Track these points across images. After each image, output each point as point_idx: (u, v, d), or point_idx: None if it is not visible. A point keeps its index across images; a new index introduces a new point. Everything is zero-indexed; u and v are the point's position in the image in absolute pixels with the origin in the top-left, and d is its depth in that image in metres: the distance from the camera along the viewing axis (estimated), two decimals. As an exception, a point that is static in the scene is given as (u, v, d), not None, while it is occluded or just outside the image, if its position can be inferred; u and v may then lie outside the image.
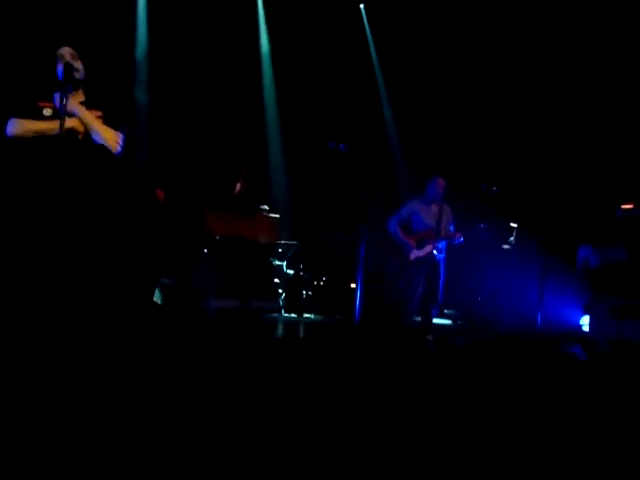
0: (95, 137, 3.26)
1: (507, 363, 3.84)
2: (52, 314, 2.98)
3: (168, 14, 7.23)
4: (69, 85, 3.14)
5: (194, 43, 7.36)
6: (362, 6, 8.83)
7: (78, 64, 3.25)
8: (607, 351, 5.17)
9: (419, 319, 5.79)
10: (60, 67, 3.19)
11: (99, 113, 3.33)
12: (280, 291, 7.19)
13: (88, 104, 3.35)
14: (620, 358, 5.01)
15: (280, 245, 7.42)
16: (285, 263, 7.37)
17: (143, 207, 5.39)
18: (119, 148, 3.31)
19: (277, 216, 7.40)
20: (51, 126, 3.14)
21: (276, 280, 7.21)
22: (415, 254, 5.76)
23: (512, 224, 6.16)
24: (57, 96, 3.25)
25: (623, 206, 6.08)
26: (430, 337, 5.56)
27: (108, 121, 3.34)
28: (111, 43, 6.16)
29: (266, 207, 7.36)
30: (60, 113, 3.03)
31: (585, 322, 6.40)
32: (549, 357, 4.26)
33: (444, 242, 5.80)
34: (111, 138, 3.29)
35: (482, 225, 5.75)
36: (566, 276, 6.48)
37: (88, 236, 3.19)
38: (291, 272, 7.40)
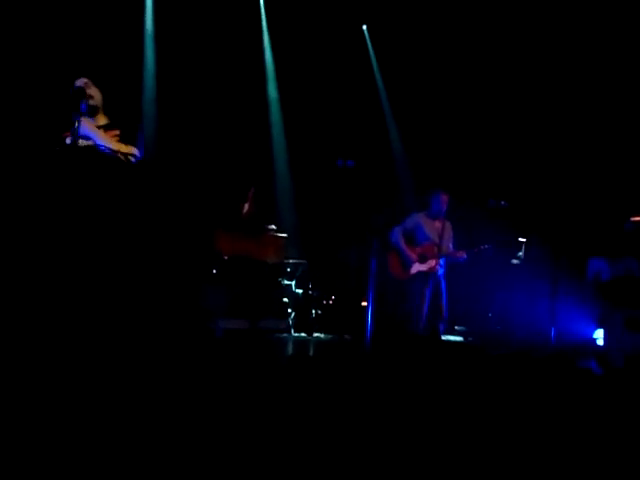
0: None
1: (523, 378, 3.79)
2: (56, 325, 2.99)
3: (175, 33, 7.33)
4: (82, 106, 3.25)
5: (201, 65, 7.45)
6: (365, 27, 8.99)
7: (92, 91, 3.38)
8: (622, 365, 5.10)
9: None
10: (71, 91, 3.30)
11: (117, 132, 3.43)
12: (289, 310, 7.17)
13: (108, 126, 3.48)
14: (636, 372, 4.93)
15: (288, 264, 7.40)
16: (294, 282, 7.35)
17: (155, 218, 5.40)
18: (134, 160, 3.43)
19: (285, 235, 7.40)
20: None
21: (285, 299, 7.19)
22: (416, 268, 5.74)
23: (521, 239, 6.13)
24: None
25: (633, 218, 6.05)
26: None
27: (125, 139, 3.45)
28: (121, 72, 6.25)
29: (274, 227, 7.37)
30: (72, 137, 3.10)
31: (599, 335, 6.33)
32: (565, 372, 4.21)
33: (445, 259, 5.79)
34: (126, 153, 3.39)
35: (487, 246, 5.73)
36: (577, 289, 6.42)
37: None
38: (300, 291, 7.38)
